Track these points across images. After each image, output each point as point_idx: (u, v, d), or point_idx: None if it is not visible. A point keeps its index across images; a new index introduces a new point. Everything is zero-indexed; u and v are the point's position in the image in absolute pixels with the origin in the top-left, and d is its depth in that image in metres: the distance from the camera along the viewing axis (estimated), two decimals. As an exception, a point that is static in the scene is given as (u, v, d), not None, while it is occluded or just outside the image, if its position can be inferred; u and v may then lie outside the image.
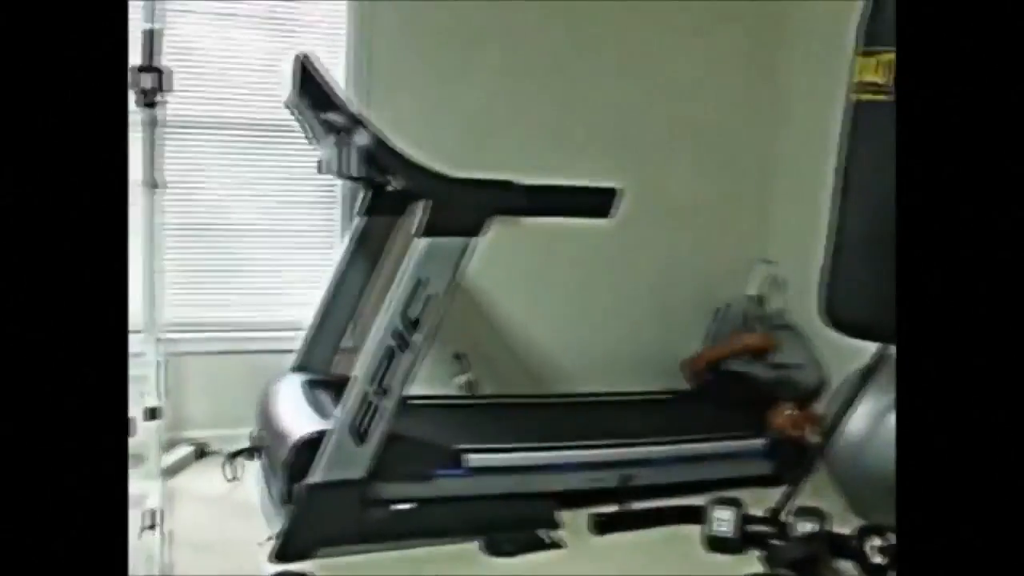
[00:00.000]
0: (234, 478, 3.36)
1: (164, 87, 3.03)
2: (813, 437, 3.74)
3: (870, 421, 3.13)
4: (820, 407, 3.95)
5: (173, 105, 3.43)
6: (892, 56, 2.45)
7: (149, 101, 3.00)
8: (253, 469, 3.40)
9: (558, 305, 4.34)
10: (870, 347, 2.92)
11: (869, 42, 2.57)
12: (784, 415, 3.84)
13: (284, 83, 3.36)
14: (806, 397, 4.15)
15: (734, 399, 4.01)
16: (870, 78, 2.53)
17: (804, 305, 4.33)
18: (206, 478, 3.42)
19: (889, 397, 3.10)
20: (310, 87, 3.21)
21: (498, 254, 3.79)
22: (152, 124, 3.05)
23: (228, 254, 3.83)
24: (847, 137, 2.66)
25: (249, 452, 3.46)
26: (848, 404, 2.98)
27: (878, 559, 2.84)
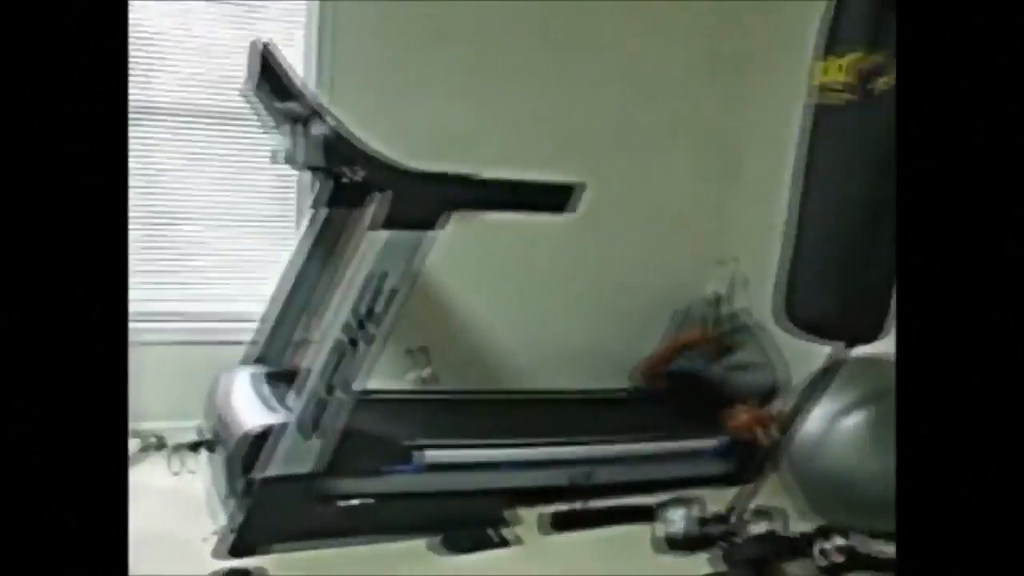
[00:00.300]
0: (179, 472, 3.29)
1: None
2: (770, 437, 3.75)
3: (826, 422, 3.13)
4: (778, 407, 3.97)
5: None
6: (856, 57, 2.46)
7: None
8: (199, 463, 3.33)
9: (519, 302, 4.32)
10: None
11: (831, 45, 2.58)
12: (740, 415, 3.84)
13: (242, 71, 3.30)
14: (765, 397, 4.15)
15: (690, 399, 4.00)
16: (832, 79, 2.54)
17: (765, 305, 4.35)
18: (149, 472, 3.33)
19: (845, 398, 3.11)
20: (269, 75, 3.15)
21: (460, 250, 3.76)
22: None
23: (182, 243, 3.75)
24: (807, 139, 2.67)
25: (194, 446, 3.38)
26: (804, 405, 2.98)
27: (833, 559, 2.85)
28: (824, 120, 2.62)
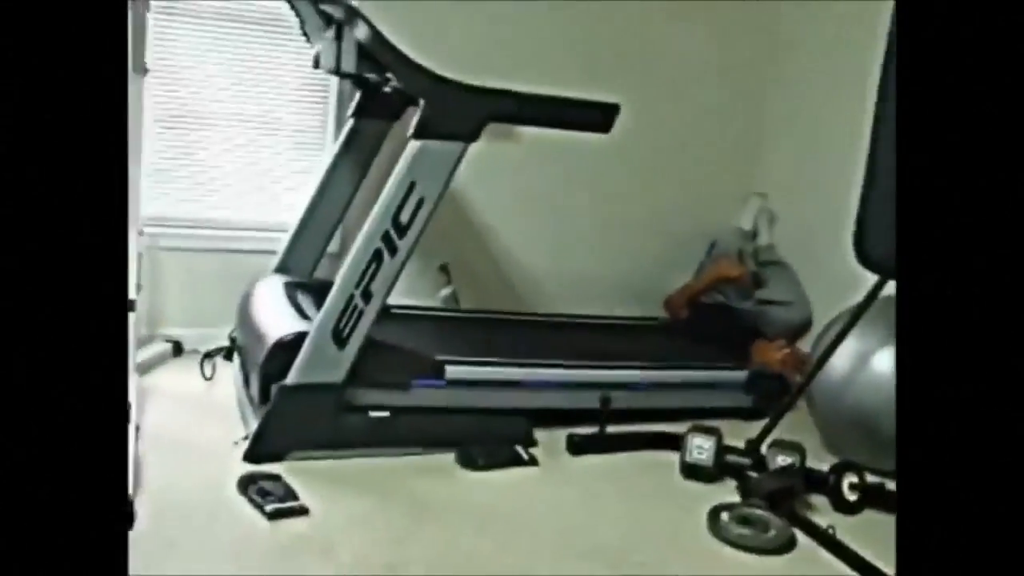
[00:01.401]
0: (210, 377, 3.32)
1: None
2: (796, 373, 3.74)
3: (855, 360, 3.11)
4: (805, 344, 3.95)
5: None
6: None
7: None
8: (229, 370, 3.37)
9: (550, 227, 4.29)
10: (861, 286, 2.87)
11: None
12: (771, 350, 3.83)
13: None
14: (791, 334, 4.14)
15: (718, 331, 3.99)
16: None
17: (793, 241, 4.31)
18: (181, 377, 3.37)
19: (876, 337, 3.08)
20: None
21: (492, 169, 3.73)
22: (139, 5, 2.92)
23: (215, 148, 3.72)
24: (883, 65, 2.56)
25: (227, 352, 3.42)
26: (835, 344, 2.95)
27: (851, 496, 2.85)
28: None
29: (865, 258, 2.69)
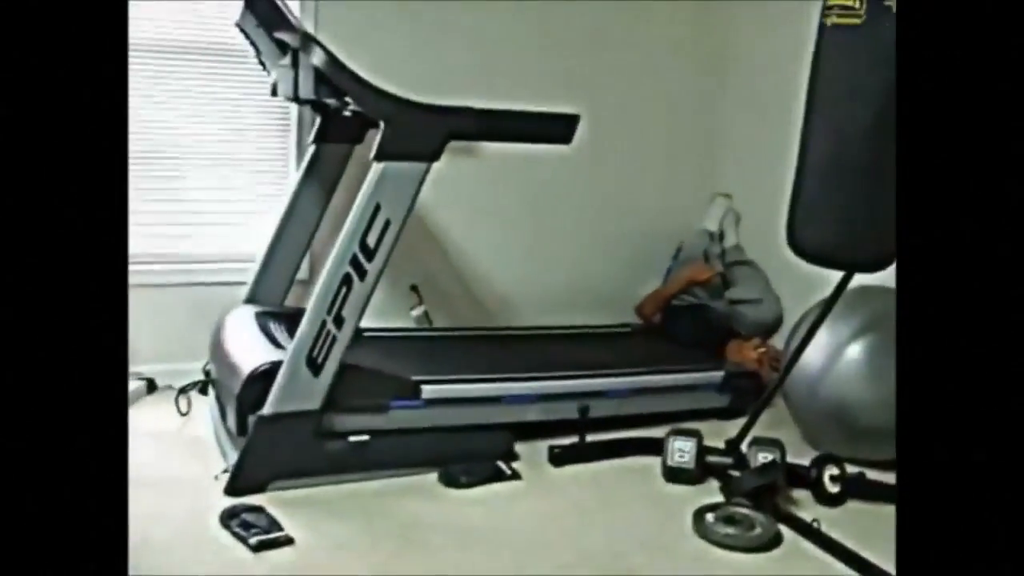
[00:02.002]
0: (186, 412, 3.30)
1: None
2: (771, 370, 3.77)
3: (827, 353, 3.14)
4: (777, 341, 3.98)
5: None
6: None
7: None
8: (205, 403, 3.34)
9: (514, 240, 4.29)
10: (829, 280, 2.91)
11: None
12: (746, 348, 3.86)
13: (233, 4, 3.22)
14: (764, 331, 4.17)
15: (691, 333, 4.01)
16: (838, 0, 2.48)
17: (759, 240, 4.35)
18: (156, 413, 3.34)
19: (847, 330, 3.11)
20: (260, 5, 3.09)
21: (455, 187, 3.73)
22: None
23: (177, 183, 3.69)
24: (813, 60, 2.62)
25: (201, 386, 3.39)
26: (808, 337, 2.98)
27: (833, 488, 2.88)
28: (831, 41, 2.56)
29: (798, 247, 2.75)
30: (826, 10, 2.56)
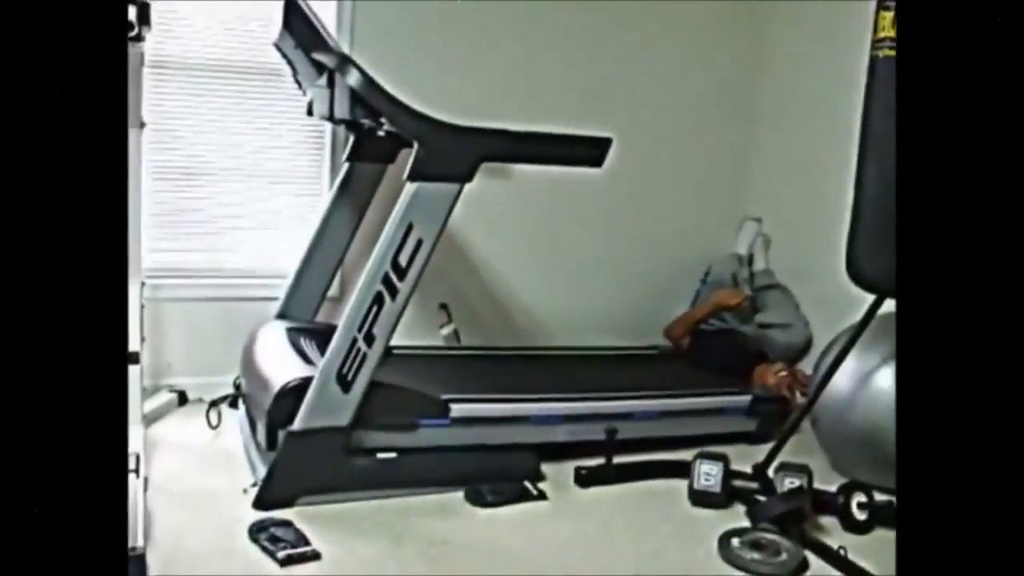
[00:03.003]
0: (216, 426, 3.33)
1: (146, 21, 2.93)
2: (799, 395, 3.76)
3: (856, 379, 3.13)
4: (806, 365, 3.97)
5: (155, 44, 3.36)
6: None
7: (132, 36, 2.90)
8: (235, 417, 3.38)
9: (545, 262, 4.31)
10: (858, 306, 2.90)
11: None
12: (771, 373, 3.85)
13: (271, 24, 3.28)
14: (793, 355, 4.16)
15: (720, 357, 4.00)
16: (886, 33, 2.49)
17: (789, 264, 4.35)
18: (187, 426, 3.38)
19: (876, 356, 3.10)
20: (298, 26, 3.14)
21: (487, 209, 3.76)
22: (135, 61, 2.96)
23: (212, 199, 3.75)
24: (866, 93, 2.62)
25: (232, 400, 3.43)
26: (837, 363, 2.97)
27: (860, 516, 2.86)
28: (879, 74, 2.56)
29: (857, 277, 2.74)
30: (876, 43, 2.56)
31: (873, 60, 2.59)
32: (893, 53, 2.48)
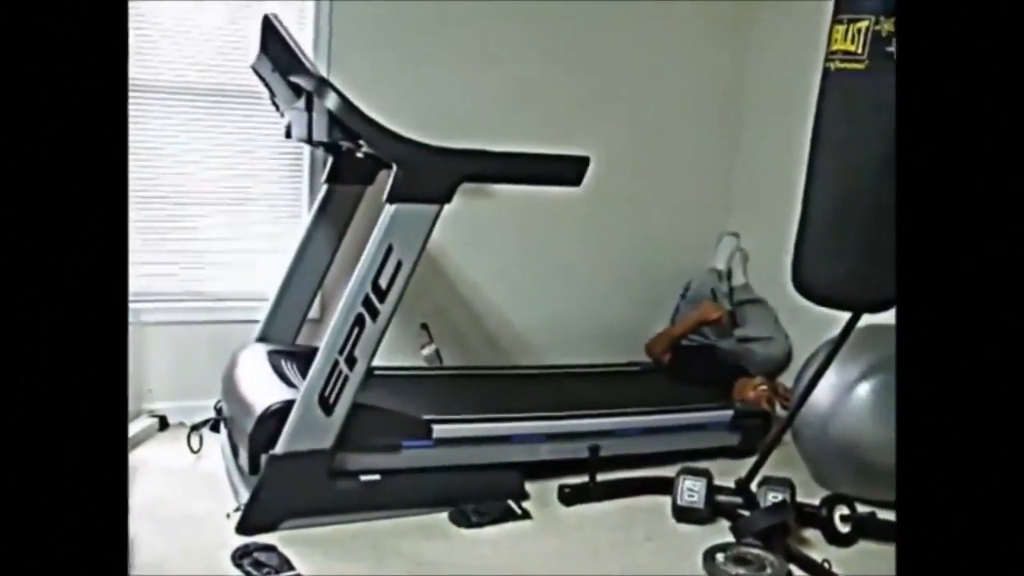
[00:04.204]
0: (198, 450, 3.31)
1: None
2: (780, 408, 3.78)
3: (837, 392, 3.15)
4: (787, 379, 3.99)
5: (133, 68, 3.36)
6: (866, 23, 2.44)
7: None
8: (216, 441, 3.36)
9: (523, 280, 4.31)
10: (838, 319, 2.92)
11: (843, 8, 2.55)
12: (751, 387, 3.86)
13: (248, 47, 3.28)
14: (773, 369, 4.18)
15: (700, 372, 4.02)
16: (842, 46, 2.52)
17: (768, 278, 4.37)
18: (168, 451, 3.36)
19: (856, 369, 3.12)
20: (275, 48, 3.14)
21: (465, 228, 3.76)
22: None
23: (190, 223, 3.73)
24: (818, 101, 2.66)
25: (213, 423, 3.41)
26: (817, 376, 2.99)
27: (844, 528, 2.87)
28: (835, 86, 2.59)
29: (806, 289, 2.76)
30: (830, 55, 2.59)
31: (826, 72, 2.63)
32: (845, 66, 2.52)
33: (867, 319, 2.85)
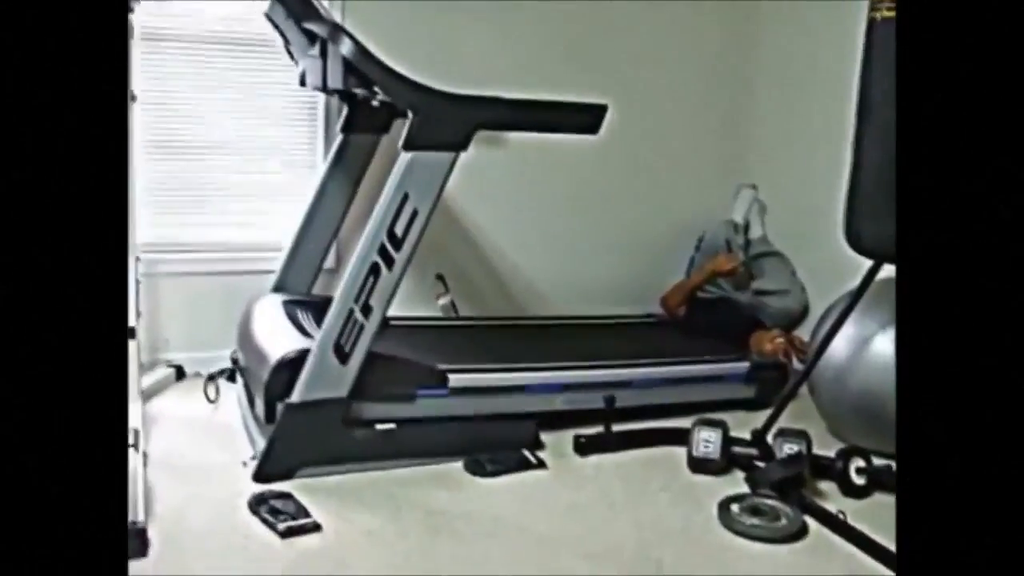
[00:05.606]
0: (214, 400, 3.33)
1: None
2: (796, 361, 3.76)
3: (854, 345, 3.13)
4: (803, 332, 3.97)
5: (146, 16, 3.32)
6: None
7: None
8: (233, 391, 3.38)
9: (540, 230, 4.29)
10: (855, 272, 2.89)
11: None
12: (768, 340, 3.84)
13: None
14: (790, 321, 4.15)
15: (717, 325, 4.00)
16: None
17: (785, 230, 4.33)
18: (185, 401, 3.38)
19: (875, 321, 3.09)
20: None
21: (480, 176, 3.74)
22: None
23: (206, 172, 3.71)
24: (863, 57, 2.57)
25: (229, 373, 3.42)
26: (835, 329, 2.96)
27: (859, 480, 2.87)
28: (879, 36, 2.50)
29: (856, 243, 2.71)
30: (875, 3, 2.49)
31: (871, 22, 2.54)
32: (893, 14, 2.43)
33: (886, 271, 2.82)
